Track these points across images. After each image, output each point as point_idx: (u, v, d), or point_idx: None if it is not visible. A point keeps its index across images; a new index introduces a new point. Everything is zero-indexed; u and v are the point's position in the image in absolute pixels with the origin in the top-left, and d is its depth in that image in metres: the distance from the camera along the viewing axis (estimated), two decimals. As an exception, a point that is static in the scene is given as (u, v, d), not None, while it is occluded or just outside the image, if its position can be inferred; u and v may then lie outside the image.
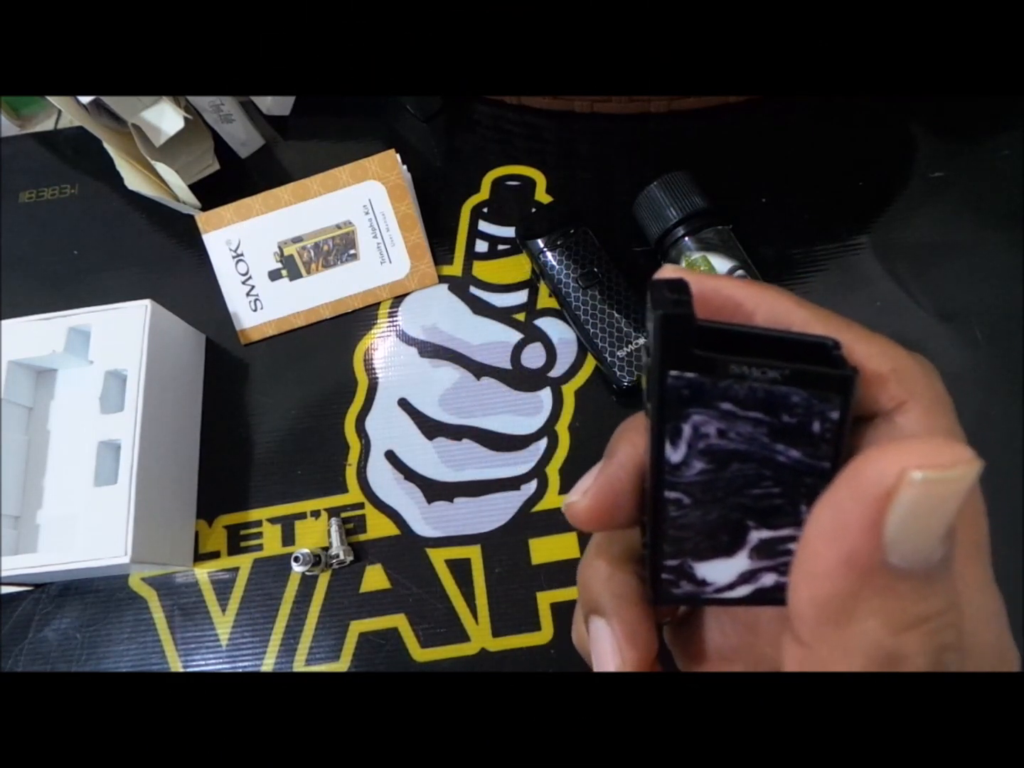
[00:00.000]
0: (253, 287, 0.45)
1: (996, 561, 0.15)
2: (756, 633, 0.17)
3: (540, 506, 0.40)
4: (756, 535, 0.14)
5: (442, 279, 0.45)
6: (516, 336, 0.43)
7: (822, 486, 0.13)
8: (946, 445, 0.11)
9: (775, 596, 0.15)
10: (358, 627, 0.38)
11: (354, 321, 0.44)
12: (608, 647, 0.17)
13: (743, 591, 0.15)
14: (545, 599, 0.38)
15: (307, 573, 0.39)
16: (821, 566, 0.12)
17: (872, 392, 0.14)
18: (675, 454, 0.14)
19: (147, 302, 0.39)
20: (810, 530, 0.12)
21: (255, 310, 0.45)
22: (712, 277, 0.16)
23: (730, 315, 0.15)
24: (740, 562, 0.15)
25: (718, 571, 0.15)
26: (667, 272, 0.15)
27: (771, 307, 0.15)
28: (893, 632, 0.11)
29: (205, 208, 0.45)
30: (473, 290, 0.44)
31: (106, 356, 0.38)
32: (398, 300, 0.45)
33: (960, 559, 0.13)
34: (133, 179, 0.43)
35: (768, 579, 0.15)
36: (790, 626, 0.13)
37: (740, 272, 0.39)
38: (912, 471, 0.10)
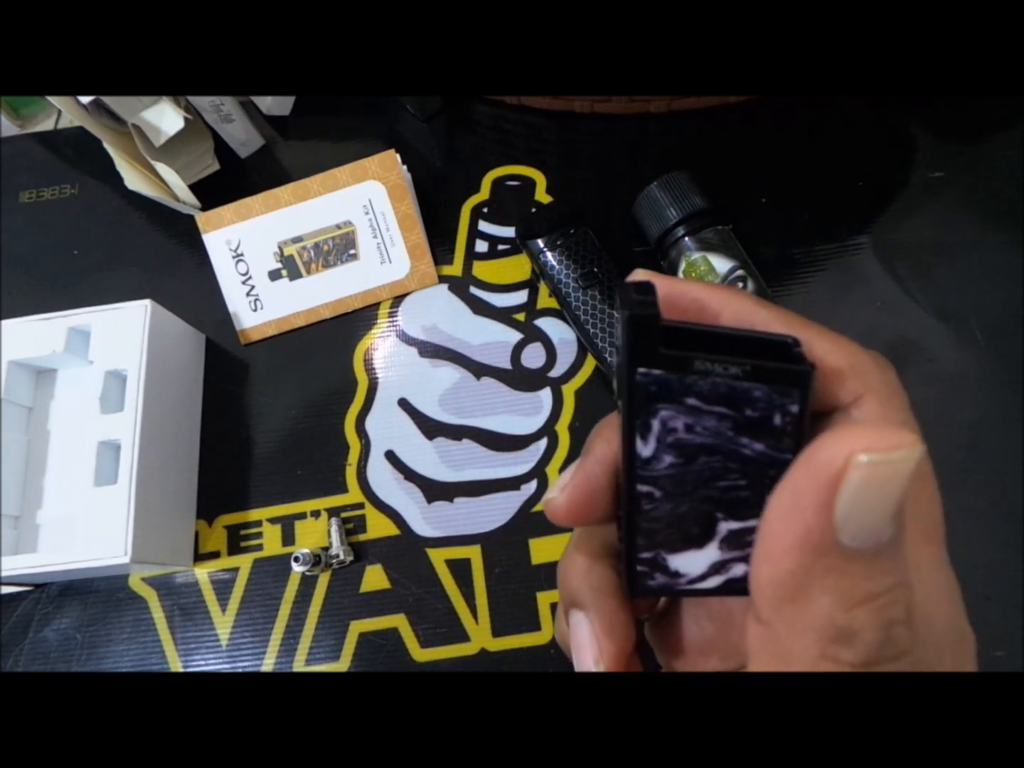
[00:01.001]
0: (253, 287, 0.45)
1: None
2: (730, 625, 0.17)
3: (540, 506, 0.40)
4: (725, 526, 0.15)
5: (442, 279, 0.45)
6: (516, 336, 0.43)
7: None
8: (891, 430, 0.11)
9: (745, 586, 0.15)
10: (358, 627, 0.38)
11: (354, 321, 0.44)
12: (586, 639, 0.17)
13: (715, 581, 0.16)
14: (545, 599, 0.38)
15: (307, 573, 0.39)
16: (778, 546, 0.12)
17: (831, 387, 0.15)
18: (645, 449, 0.15)
19: (147, 302, 0.39)
20: (769, 512, 0.13)
21: (255, 310, 0.45)
22: (679, 281, 0.16)
23: (696, 316, 0.16)
24: (711, 553, 0.15)
25: (690, 562, 0.16)
26: (636, 275, 0.16)
27: (735, 308, 0.16)
28: (844, 608, 0.12)
29: (205, 208, 0.45)
30: (473, 290, 0.44)
31: (106, 356, 0.38)
32: (398, 300, 0.45)
33: (915, 539, 0.13)
34: (133, 179, 0.43)
35: (738, 569, 0.15)
36: (752, 606, 0.13)
37: (740, 272, 0.39)
38: (858, 454, 0.11)
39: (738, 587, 0.15)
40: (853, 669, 0.12)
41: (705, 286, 0.16)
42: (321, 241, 0.44)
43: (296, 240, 0.44)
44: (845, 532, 0.12)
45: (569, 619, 0.18)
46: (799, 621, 0.12)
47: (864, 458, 0.11)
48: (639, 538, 0.15)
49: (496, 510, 0.40)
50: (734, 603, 0.17)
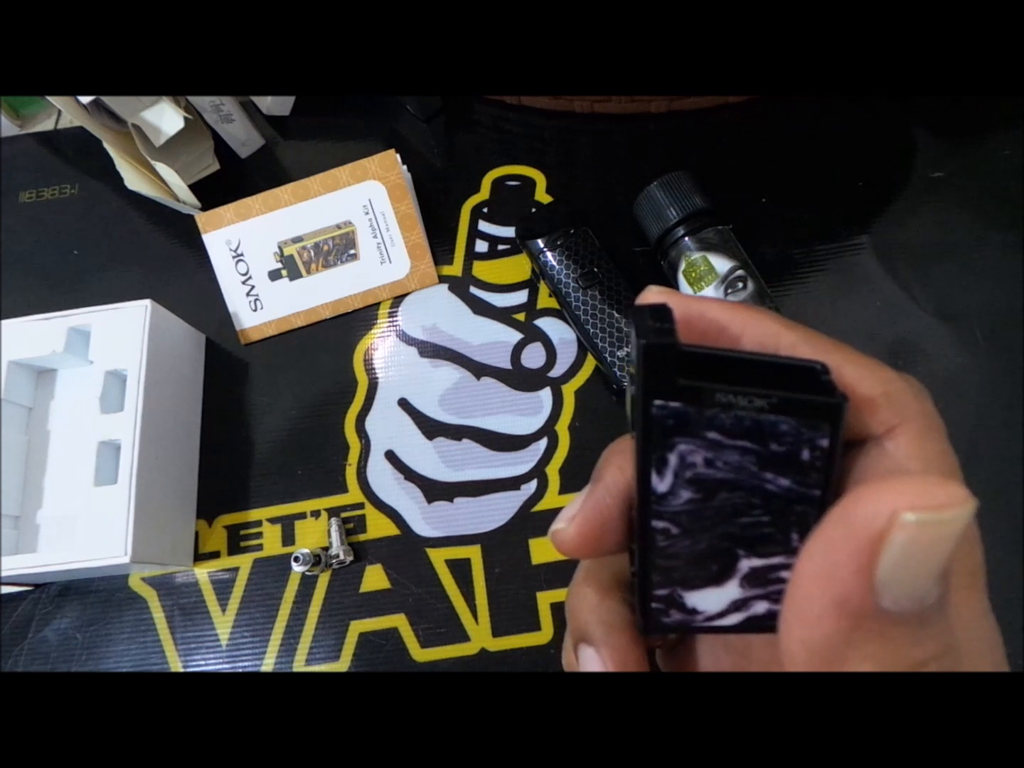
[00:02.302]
0: (253, 287, 0.45)
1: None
2: (748, 659, 0.17)
3: (540, 506, 0.40)
4: (746, 564, 0.14)
5: (442, 279, 0.45)
6: (516, 336, 0.43)
7: (812, 513, 0.13)
8: (940, 485, 0.10)
9: (767, 624, 0.15)
10: (358, 627, 0.38)
11: (354, 321, 0.44)
12: None
13: (734, 619, 0.15)
14: (545, 599, 0.38)
15: (307, 573, 0.39)
16: (812, 609, 0.11)
17: (862, 416, 0.14)
18: (661, 484, 0.14)
19: (147, 302, 0.39)
20: (801, 568, 0.12)
21: (255, 310, 0.45)
22: (697, 300, 0.15)
23: (715, 339, 0.15)
24: (731, 591, 0.14)
25: (708, 600, 0.15)
26: (651, 296, 0.15)
27: (758, 330, 0.15)
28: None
29: (205, 208, 0.45)
30: (473, 290, 0.44)
31: (106, 356, 0.38)
32: (398, 300, 0.45)
33: (956, 589, 0.12)
34: (133, 179, 0.43)
35: (760, 607, 0.14)
36: (783, 662, 0.13)
37: (740, 272, 0.39)
38: (904, 512, 0.10)
39: (759, 625, 0.15)
40: None
41: (725, 305, 0.15)
42: (321, 241, 0.44)
43: (296, 240, 0.44)
44: (887, 596, 0.11)
45: (578, 654, 0.17)
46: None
47: (911, 517, 0.10)
48: (654, 574, 0.15)
49: (496, 510, 0.40)
50: (753, 636, 0.16)
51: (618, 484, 0.16)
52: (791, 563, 0.14)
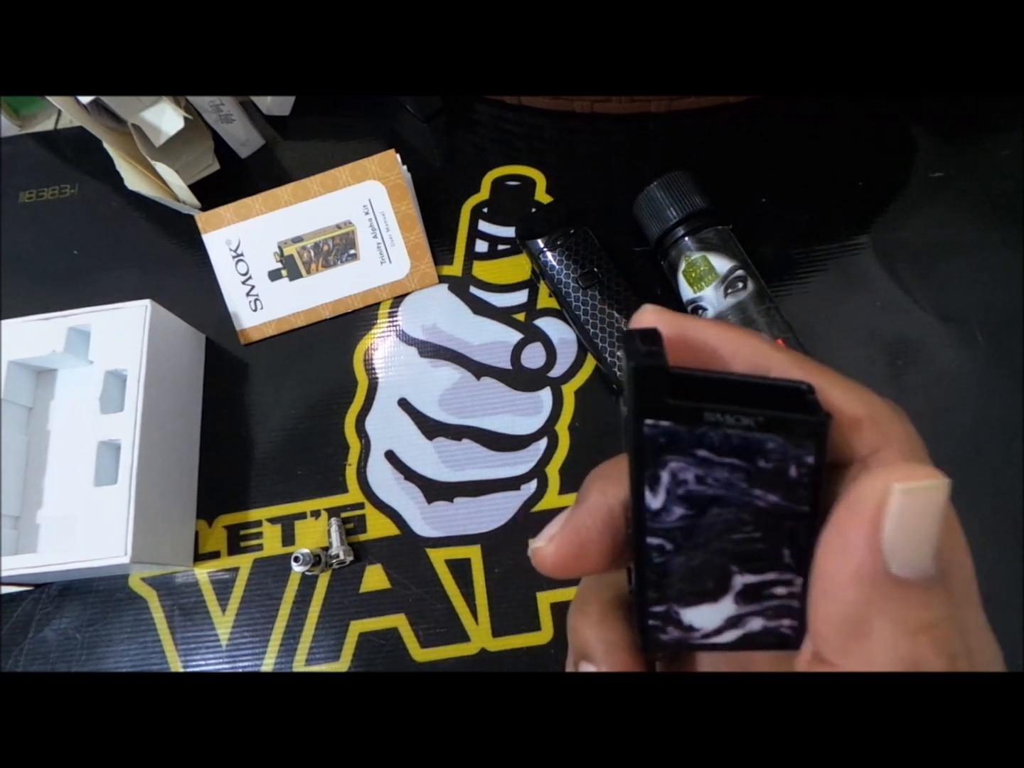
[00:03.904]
0: (253, 287, 0.45)
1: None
2: (749, 669, 0.17)
3: (540, 506, 0.40)
4: (740, 580, 0.15)
5: (442, 279, 0.45)
6: (516, 336, 0.43)
7: (803, 529, 0.14)
8: (920, 467, 0.13)
9: (763, 641, 0.15)
10: (358, 627, 0.38)
11: (354, 321, 0.44)
12: None
13: (731, 636, 0.15)
14: (545, 599, 0.38)
15: (307, 573, 0.39)
16: (834, 583, 0.13)
17: (848, 437, 0.15)
18: (655, 500, 0.14)
19: (147, 302, 0.39)
20: (820, 555, 0.13)
21: (255, 310, 0.45)
22: (690, 320, 0.16)
23: (708, 359, 0.15)
24: (726, 607, 0.15)
25: (704, 617, 0.15)
26: (644, 316, 0.16)
27: (749, 352, 0.15)
28: (907, 636, 0.12)
29: (205, 208, 0.45)
30: (473, 290, 0.44)
31: (106, 356, 0.38)
32: (398, 300, 0.45)
33: (958, 600, 0.13)
34: (133, 179, 0.43)
35: (755, 624, 0.15)
36: (814, 648, 0.14)
37: (740, 272, 0.39)
38: (894, 484, 0.12)
39: (756, 642, 0.15)
40: None
41: (717, 326, 0.16)
42: (321, 241, 0.44)
43: (296, 240, 0.44)
44: (894, 561, 0.12)
45: (579, 671, 0.17)
46: (867, 655, 0.13)
47: (899, 486, 0.12)
48: (650, 591, 0.15)
49: (496, 510, 0.40)
50: (754, 651, 0.17)
51: (600, 506, 0.16)
52: (783, 579, 0.14)
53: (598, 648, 0.17)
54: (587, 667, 0.17)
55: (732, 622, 0.15)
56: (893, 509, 0.12)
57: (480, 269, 0.45)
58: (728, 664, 0.17)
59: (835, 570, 0.13)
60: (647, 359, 0.13)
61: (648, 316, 0.16)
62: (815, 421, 0.14)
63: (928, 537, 0.13)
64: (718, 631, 0.15)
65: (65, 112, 0.42)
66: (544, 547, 0.16)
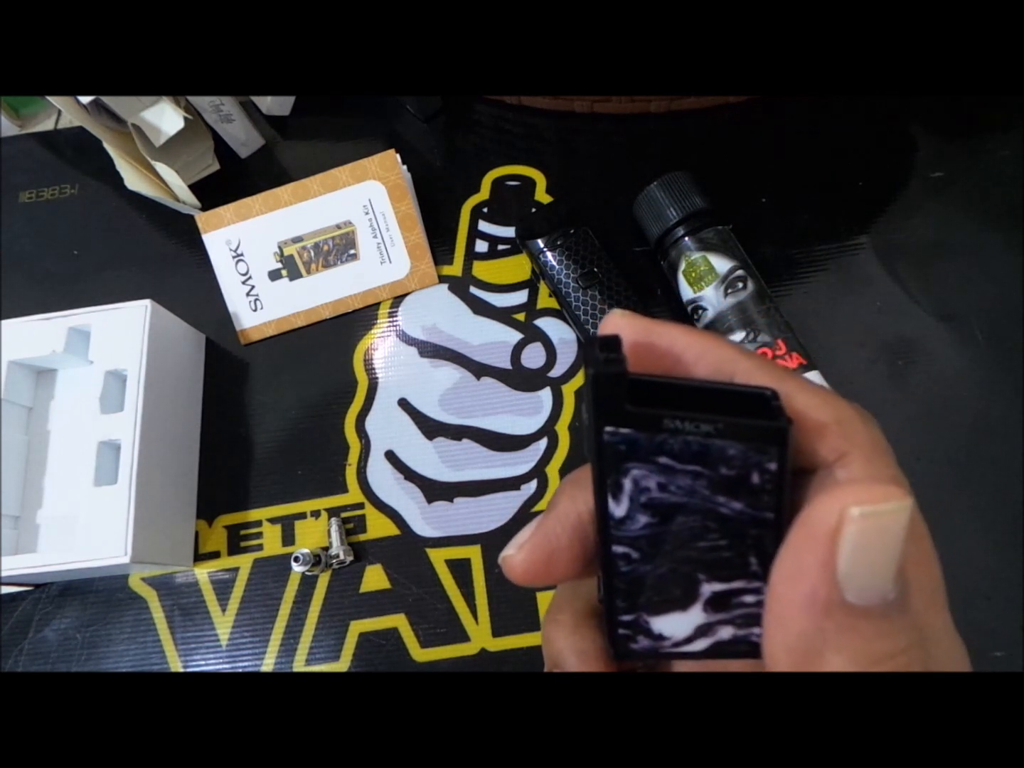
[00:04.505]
0: (253, 287, 0.45)
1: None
2: None
3: (540, 506, 0.40)
4: (708, 588, 0.15)
5: (442, 279, 0.45)
6: (516, 336, 0.43)
7: (768, 537, 0.14)
8: (879, 486, 0.12)
9: (734, 649, 0.15)
10: (358, 627, 0.38)
11: (354, 321, 0.44)
12: None
13: (701, 644, 0.15)
14: (545, 599, 0.38)
15: (307, 573, 0.39)
16: (787, 609, 0.12)
17: (813, 443, 0.14)
18: (618, 509, 0.14)
19: (147, 302, 0.39)
20: (774, 576, 0.13)
21: (255, 310, 0.45)
22: (656, 324, 0.15)
23: (673, 364, 0.15)
24: (695, 616, 0.15)
25: (674, 625, 0.15)
26: (610, 321, 0.15)
27: (714, 357, 0.15)
28: (860, 668, 0.12)
29: (205, 208, 0.45)
30: (473, 290, 0.44)
31: (106, 356, 0.38)
32: (398, 300, 0.45)
33: (921, 607, 0.13)
34: (133, 179, 0.43)
35: (725, 632, 0.15)
36: (767, 669, 0.13)
37: (740, 272, 0.39)
38: (851, 507, 0.11)
39: (727, 651, 0.15)
40: None
41: (685, 331, 0.15)
42: (321, 241, 0.44)
43: (296, 240, 0.44)
44: (850, 589, 0.12)
45: None
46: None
47: (856, 511, 0.11)
48: (619, 600, 0.15)
49: (496, 510, 0.40)
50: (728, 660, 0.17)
51: (568, 514, 0.16)
52: (751, 587, 0.14)
53: (570, 658, 0.17)
54: None
55: (702, 630, 0.15)
56: (849, 535, 0.11)
57: (480, 269, 0.45)
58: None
59: (787, 595, 0.12)
60: (606, 366, 0.13)
61: (615, 321, 0.15)
62: (776, 427, 0.14)
63: (888, 561, 0.12)
64: (688, 639, 0.15)
65: (65, 112, 0.42)
66: (513, 555, 0.16)
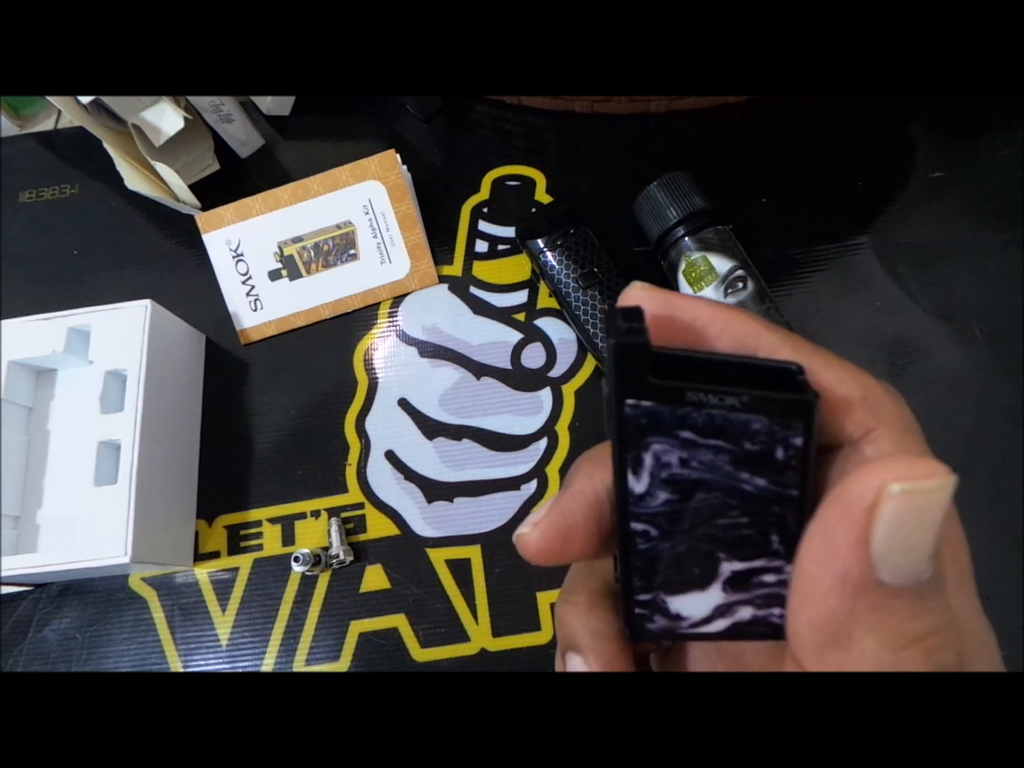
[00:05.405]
0: (253, 287, 0.45)
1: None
2: (742, 664, 0.16)
3: (540, 506, 0.40)
4: (728, 567, 0.14)
5: (442, 279, 0.45)
6: (516, 336, 0.43)
7: (791, 514, 0.13)
8: (923, 460, 0.11)
9: (754, 630, 0.15)
10: (358, 627, 0.38)
11: (354, 321, 0.44)
12: None
13: (720, 625, 0.15)
14: (545, 599, 0.38)
15: (307, 573, 0.39)
16: (816, 587, 0.12)
17: (840, 419, 0.14)
18: (638, 484, 0.14)
19: (147, 302, 0.39)
20: (803, 553, 0.12)
21: (255, 310, 0.45)
22: (679, 297, 0.15)
23: (695, 338, 0.15)
24: (714, 595, 0.14)
25: (692, 605, 0.15)
26: (631, 293, 0.15)
27: (738, 331, 0.15)
28: (891, 650, 0.12)
29: (205, 208, 0.45)
30: (473, 290, 0.44)
31: (106, 356, 0.38)
32: (398, 300, 0.45)
33: (952, 587, 0.13)
34: (133, 179, 0.43)
35: (745, 613, 0.14)
36: (791, 653, 0.13)
37: (740, 272, 0.39)
38: (892, 484, 0.11)
39: (746, 632, 0.15)
40: None
41: (707, 304, 0.15)
42: (321, 241, 0.44)
43: (296, 240, 0.44)
44: (884, 568, 0.11)
45: (566, 662, 0.17)
46: (844, 666, 0.12)
47: (897, 488, 0.11)
48: (636, 579, 0.14)
49: (496, 510, 0.40)
50: (745, 642, 0.16)
51: (585, 491, 0.16)
52: (772, 566, 0.14)
53: (585, 638, 0.16)
54: (574, 658, 0.17)
55: (721, 611, 0.14)
56: (887, 513, 0.11)
57: (480, 269, 0.45)
58: (720, 655, 0.17)
59: (817, 573, 0.12)
60: (628, 336, 0.13)
61: (635, 293, 0.15)
62: (802, 400, 0.13)
63: (926, 540, 0.11)
64: (707, 620, 0.15)
65: (65, 112, 0.42)
66: (528, 533, 0.16)
